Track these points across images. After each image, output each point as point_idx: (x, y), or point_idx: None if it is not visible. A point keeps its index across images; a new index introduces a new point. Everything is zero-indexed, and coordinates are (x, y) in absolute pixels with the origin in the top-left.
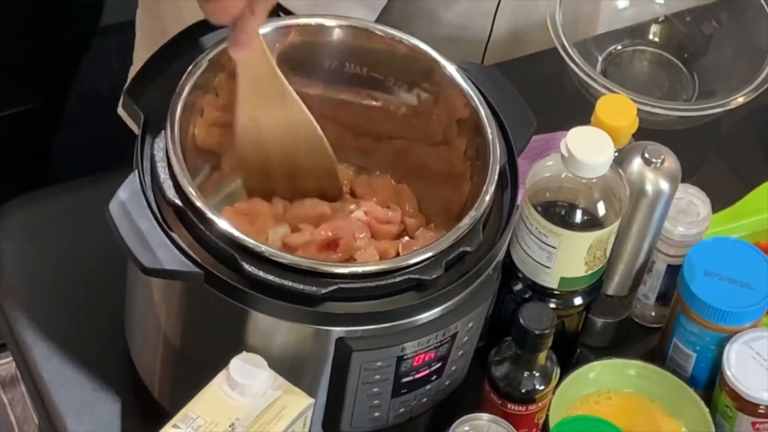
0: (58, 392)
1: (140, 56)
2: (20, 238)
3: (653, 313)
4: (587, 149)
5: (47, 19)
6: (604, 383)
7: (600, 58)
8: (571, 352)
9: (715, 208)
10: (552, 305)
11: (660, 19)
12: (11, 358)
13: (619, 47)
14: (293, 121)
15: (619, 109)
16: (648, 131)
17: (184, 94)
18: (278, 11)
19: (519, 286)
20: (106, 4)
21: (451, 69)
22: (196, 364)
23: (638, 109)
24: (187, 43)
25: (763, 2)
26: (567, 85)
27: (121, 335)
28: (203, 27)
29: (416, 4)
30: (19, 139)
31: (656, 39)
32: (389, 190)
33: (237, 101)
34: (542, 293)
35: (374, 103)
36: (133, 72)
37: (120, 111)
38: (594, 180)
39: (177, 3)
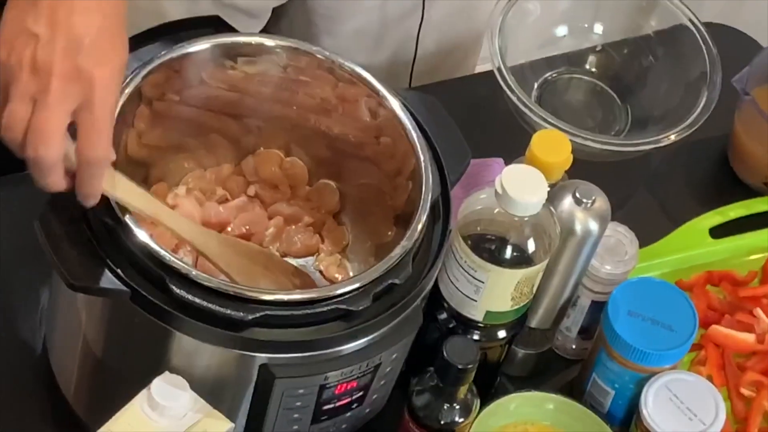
0: None
1: None
2: None
3: (574, 346)
4: (521, 188)
5: None
6: (522, 415)
7: (536, 85)
8: (491, 381)
9: (641, 242)
10: (476, 337)
11: (597, 49)
12: None
13: (555, 74)
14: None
15: (554, 144)
16: (579, 162)
17: (119, 104)
18: (218, 27)
19: (444, 316)
20: None
21: (389, 96)
22: (116, 377)
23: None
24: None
25: (699, 38)
26: (501, 108)
27: (41, 336)
28: (152, 35)
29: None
30: None
31: (592, 68)
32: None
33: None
34: (467, 324)
35: (314, 119)
36: None
37: None
38: (526, 218)
39: None
